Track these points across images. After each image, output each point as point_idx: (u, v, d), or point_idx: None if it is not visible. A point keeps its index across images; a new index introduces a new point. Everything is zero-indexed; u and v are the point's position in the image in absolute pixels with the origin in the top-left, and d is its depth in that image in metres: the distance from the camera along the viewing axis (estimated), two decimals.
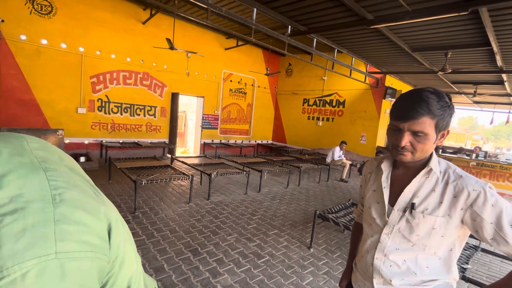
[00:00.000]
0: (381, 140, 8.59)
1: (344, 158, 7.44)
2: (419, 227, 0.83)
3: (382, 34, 4.87)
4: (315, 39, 5.56)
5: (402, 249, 0.87)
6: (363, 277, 0.97)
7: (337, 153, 7.37)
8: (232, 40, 8.86)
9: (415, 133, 0.79)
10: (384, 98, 8.14)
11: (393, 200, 0.90)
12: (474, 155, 8.02)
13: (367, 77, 8.07)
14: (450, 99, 0.80)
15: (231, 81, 9.48)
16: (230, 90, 9.55)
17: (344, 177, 7.21)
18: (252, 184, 5.69)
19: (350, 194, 5.92)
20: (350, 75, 7.57)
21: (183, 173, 4.41)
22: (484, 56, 5.37)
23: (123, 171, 4.19)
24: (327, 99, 9.53)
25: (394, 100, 8.34)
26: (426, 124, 0.78)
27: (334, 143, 8.56)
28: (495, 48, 4.57)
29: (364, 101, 8.58)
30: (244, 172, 5.01)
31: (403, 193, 0.87)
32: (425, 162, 0.87)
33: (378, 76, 8.13)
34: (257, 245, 3.11)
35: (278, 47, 6.99)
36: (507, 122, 10.78)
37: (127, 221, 3.38)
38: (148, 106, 7.62)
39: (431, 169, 0.85)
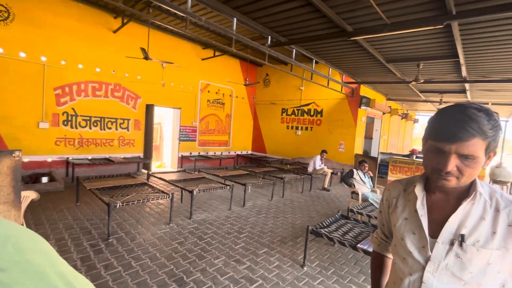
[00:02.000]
0: (359, 147, 8.81)
1: (326, 167, 7.48)
2: (472, 263, 0.72)
3: (359, 46, 5.00)
4: (294, 50, 5.59)
5: None
6: None
7: (318, 162, 7.40)
8: (209, 50, 8.71)
9: (463, 157, 0.70)
10: (360, 107, 8.40)
11: (433, 231, 0.78)
12: None
13: (343, 86, 8.30)
14: (498, 117, 0.72)
15: (208, 91, 9.26)
16: (208, 100, 9.32)
17: (326, 186, 7.23)
18: (235, 198, 5.46)
19: (334, 203, 5.91)
20: (328, 85, 7.72)
21: (162, 192, 4.09)
22: (451, 67, 5.73)
23: (94, 193, 3.77)
24: (305, 108, 9.65)
25: (368, 109, 8.66)
26: (477, 146, 0.68)
27: (314, 152, 8.62)
28: (461, 59, 4.88)
29: (341, 110, 8.79)
30: (228, 187, 4.78)
31: (447, 222, 0.75)
32: (468, 186, 0.77)
33: (354, 86, 8.39)
34: (247, 267, 2.89)
35: (256, 57, 6.95)
36: None
37: (100, 250, 3.00)
38: (120, 118, 7.14)
39: (478, 194, 0.75)
